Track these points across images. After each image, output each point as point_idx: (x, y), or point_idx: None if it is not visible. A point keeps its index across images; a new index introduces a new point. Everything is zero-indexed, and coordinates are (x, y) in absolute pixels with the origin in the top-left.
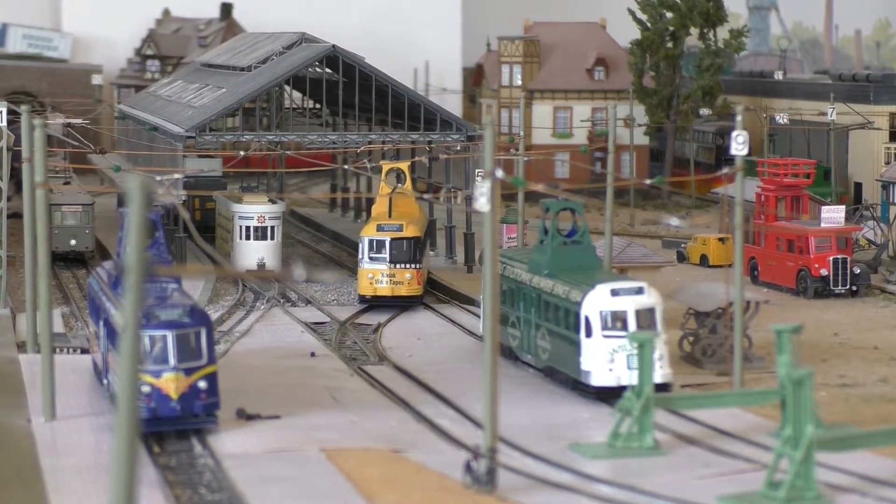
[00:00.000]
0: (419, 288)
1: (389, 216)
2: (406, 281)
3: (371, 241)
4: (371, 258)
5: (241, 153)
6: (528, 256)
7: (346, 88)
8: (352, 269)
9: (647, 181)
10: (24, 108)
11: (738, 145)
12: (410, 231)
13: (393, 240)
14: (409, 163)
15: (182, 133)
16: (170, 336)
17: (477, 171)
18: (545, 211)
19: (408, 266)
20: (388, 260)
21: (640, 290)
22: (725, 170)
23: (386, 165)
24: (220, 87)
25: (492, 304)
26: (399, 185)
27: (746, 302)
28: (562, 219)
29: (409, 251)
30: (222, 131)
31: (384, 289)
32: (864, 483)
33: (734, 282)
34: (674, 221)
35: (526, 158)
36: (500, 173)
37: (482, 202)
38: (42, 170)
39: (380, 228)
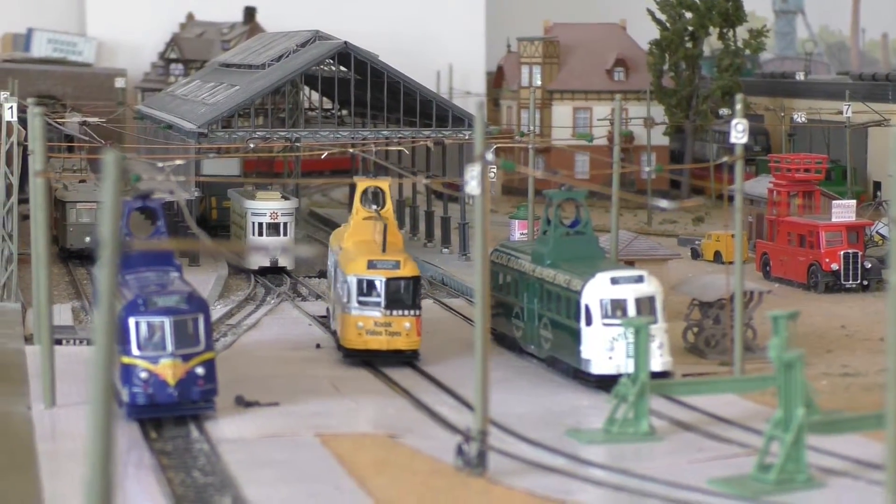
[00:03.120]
0: (418, 340)
1: (383, 249)
2: (404, 331)
3: (360, 282)
4: (360, 302)
5: (251, 146)
6: (531, 247)
7: (359, 86)
8: None
9: (646, 169)
10: (29, 101)
11: (738, 133)
12: (409, 269)
13: (389, 280)
14: (388, 181)
15: (194, 129)
16: (167, 322)
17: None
18: (548, 202)
19: (406, 313)
20: (382, 305)
21: (640, 279)
22: (725, 158)
23: (362, 183)
24: (235, 84)
25: (483, 288)
26: (376, 207)
27: (750, 292)
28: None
29: (408, 294)
30: (235, 128)
31: (377, 341)
32: (856, 466)
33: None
34: (662, 203)
35: (531, 146)
36: (490, 157)
37: (473, 185)
38: (42, 159)
39: (371, 265)
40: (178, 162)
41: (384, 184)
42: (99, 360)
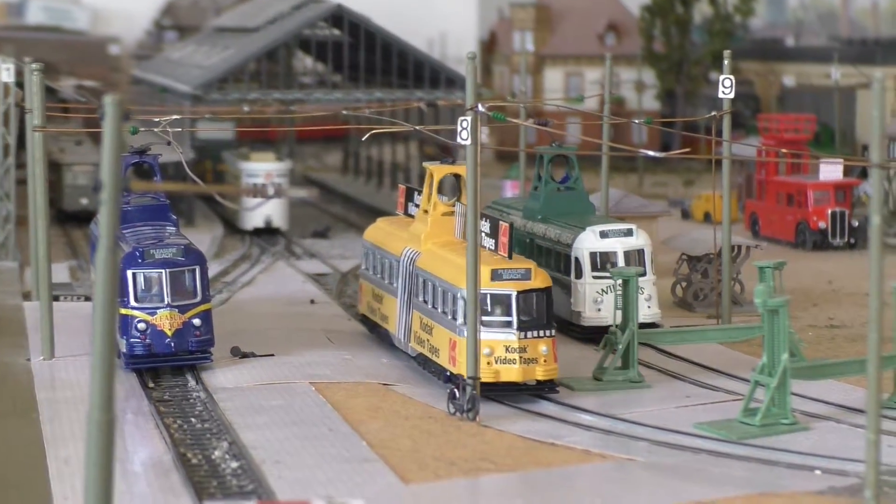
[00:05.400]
0: (556, 367)
1: (509, 255)
2: (541, 357)
3: (483, 297)
4: (484, 323)
5: (246, 108)
6: (522, 203)
7: (353, 49)
8: (360, 228)
9: (636, 121)
10: (26, 59)
11: (725, 88)
12: (541, 279)
13: (521, 294)
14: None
15: (189, 92)
16: (164, 274)
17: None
18: (539, 158)
19: (542, 334)
20: (514, 325)
21: (629, 232)
22: (713, 113)
23: (438, 170)
24: (229, 47)
25: (474, 236)
26: (446, 199)
27: (738, 246)
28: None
29: (542, 310)
30: (229, 90)
31: (510, 371)
32: (839, 411)
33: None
34: (650, 153)
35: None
36: (481, 108)
37: (463, 136)
38: (41, 115)
39: (497, 276)
40: (175, 117)
41: (463, 170)
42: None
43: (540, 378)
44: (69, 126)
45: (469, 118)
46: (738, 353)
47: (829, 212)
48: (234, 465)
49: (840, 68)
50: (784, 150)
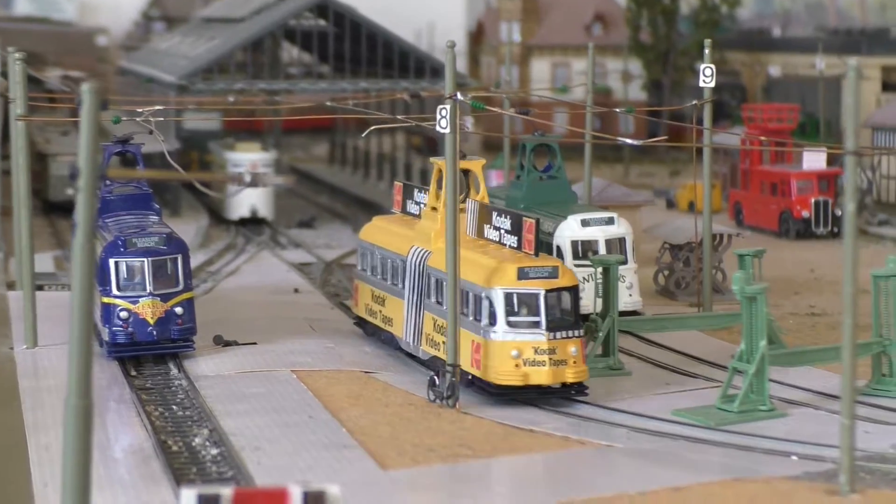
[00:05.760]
0: (586, 369)
1: (536, 252)
2: (570, 358)
3: (509, 296)
4: (511, 324)
5: (231, 99)
6: (505, 192)
7: (338, 39)
8: (345, 217)
9: (618, 110)
10: (10, 49)
11: (706, 77)
12: (567, 277)
13: (549, 293)
14: (482, 161)
15: (174, 82)
16: (147, 263)
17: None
18: (521, 147)
19: (571, 334)
20: (543, 326)
21: (610, 221)
22: (694, 102)
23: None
24: (214, 37)
25: (453, 229)
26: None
27: (719, 235)
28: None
29: (570, 310)
30: (215, 80)
31: (540, 373)
32: (817, 397)
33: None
34: (628, 141)
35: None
36: (460, 97)
37: (442, 124)
38: (24, 104)
39: (524, 275)
40: (158, 107)
41: (477, 165)
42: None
43: (570, 380)
44: (55, 117)
45: (448, 107)
46: (718, 341)
47: (813, 201)
48: (214, 452)
49: (825, 58)
50: (763, 138)
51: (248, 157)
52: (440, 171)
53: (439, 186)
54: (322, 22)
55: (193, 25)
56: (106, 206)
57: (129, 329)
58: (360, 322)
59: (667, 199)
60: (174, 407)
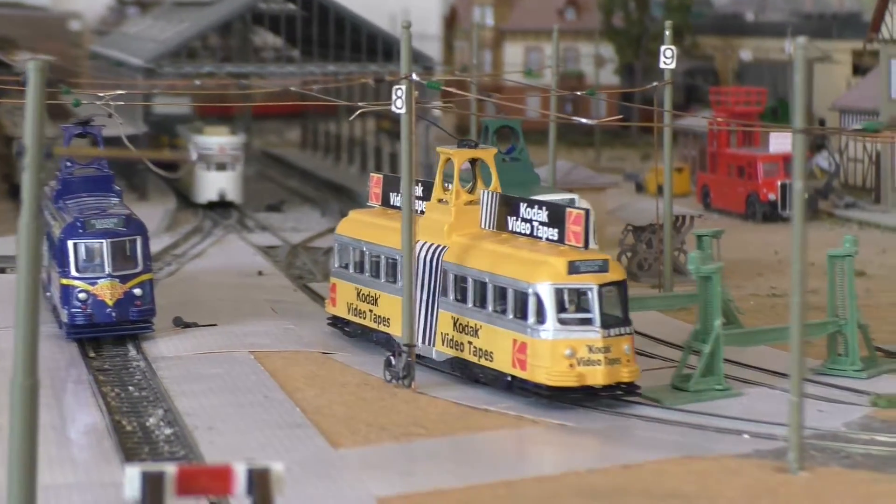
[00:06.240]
0: (638, 367)
1: (586, 244)
2: (624, 356)
3: (560, 292)
4: (562, 321)
5: (197, 82)
6: (468, 174)
7: (307, 23)
8: (314, 201)
9: (580, 92)
10: None
11: (666, 59)
12: (617, 270)
13: (603, 287)
14: (493, 151)
15: (142, 65)
16: (105, 244)
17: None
18: (484, 129)
19: (623, 331)
20: (597, 322)
21: (570, 203)
22: (654, 83)
23: (460, 155)
24: (184, 21)
25: (408, 204)
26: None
27: (682, 216)
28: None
29: (621, 305)
30: (183, 63)
31: (595, 373)
32: (772, 377)
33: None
34: (582, 120)
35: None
36: (415, 76)
37: (398, 104)
38: None
39: (575, 268)
40: (119, 92)
41: (489, 154)
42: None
43: (625, 380)
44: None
45: (404, 87)
46: (676, 321)
47: (779, 184)
48: (168, 431)
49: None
50: (720, 119)
51: (216, 141)
52: (447, 160)
53: (446, 178)
54: (291, 6)
55: (165, 9)
56: (66, 188)
57: (88, 310)
58: (337, 322)
59: (636, 183)
60: (130, 388)
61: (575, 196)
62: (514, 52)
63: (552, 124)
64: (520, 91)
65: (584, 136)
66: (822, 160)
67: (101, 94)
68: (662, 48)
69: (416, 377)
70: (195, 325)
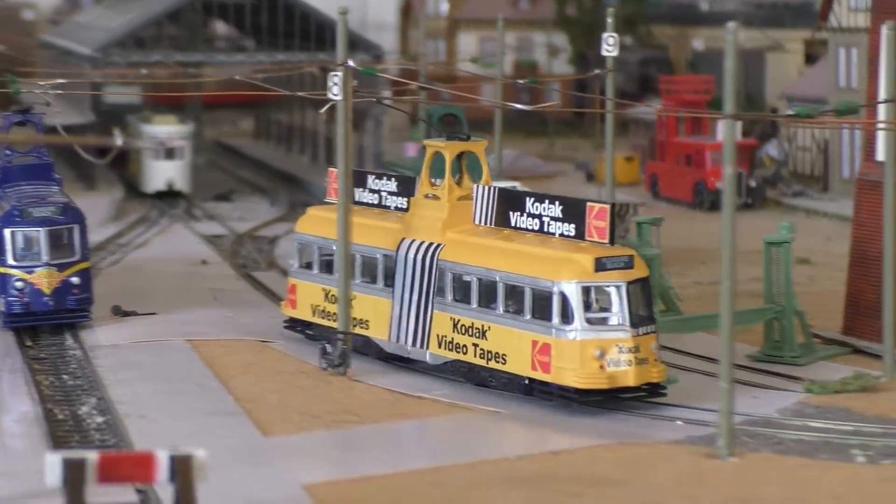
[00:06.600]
0: (665, 367)
1: (611, 240)
2: (652, 356)
3: (587, 290)
4: (590, 321)
5: (144, 71)
6: (412, 162)
7: (255, 11)
8: (265, 191)
9: (520, 81)
10: None
11: (608, 47)
12: (642, 267)
13: (630, 284)
14: (484, 143)
15: (88, 54)
16: (42, 233)
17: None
18: (428, 117)
19: (650, 330)
20: (627, 321)
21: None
22: (597, 71)
23: (452, 148)
24: (133, 10)
25: (345, 194)
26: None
27: (625, 205)
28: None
29: (647, 304)
30: (130, 52)
31: (625, 374)
32: (707, 363)
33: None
34: (518, 106)
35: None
36: (351, 63)
37: (335, 91)
38: None
39: (601, 266)
40: (60, 80)
41: (479, 147)
42: None
43: (655, 380)
44: None
45: (340, 74)
46: None
47: None
48: (100, 419)
49: (748, 31)
50: (660, 106)
51: (164, 130)
52: (438, 153)
53: (433, 172)
54: None
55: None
56: (6, 176)
57: (25, 299)
58: (296, 324)
59: (587, 172)
60: (65, 376)
61: (517, 183)
62: (468, 42)
63: (497, 112)
64: (474, 80)
65: (540, 126)
66: (773, 149)
67: (42, 83)
68: (604, 35)
69: (351, 365)
70: (134, 313)
